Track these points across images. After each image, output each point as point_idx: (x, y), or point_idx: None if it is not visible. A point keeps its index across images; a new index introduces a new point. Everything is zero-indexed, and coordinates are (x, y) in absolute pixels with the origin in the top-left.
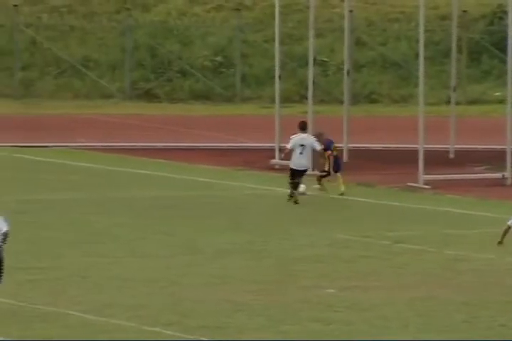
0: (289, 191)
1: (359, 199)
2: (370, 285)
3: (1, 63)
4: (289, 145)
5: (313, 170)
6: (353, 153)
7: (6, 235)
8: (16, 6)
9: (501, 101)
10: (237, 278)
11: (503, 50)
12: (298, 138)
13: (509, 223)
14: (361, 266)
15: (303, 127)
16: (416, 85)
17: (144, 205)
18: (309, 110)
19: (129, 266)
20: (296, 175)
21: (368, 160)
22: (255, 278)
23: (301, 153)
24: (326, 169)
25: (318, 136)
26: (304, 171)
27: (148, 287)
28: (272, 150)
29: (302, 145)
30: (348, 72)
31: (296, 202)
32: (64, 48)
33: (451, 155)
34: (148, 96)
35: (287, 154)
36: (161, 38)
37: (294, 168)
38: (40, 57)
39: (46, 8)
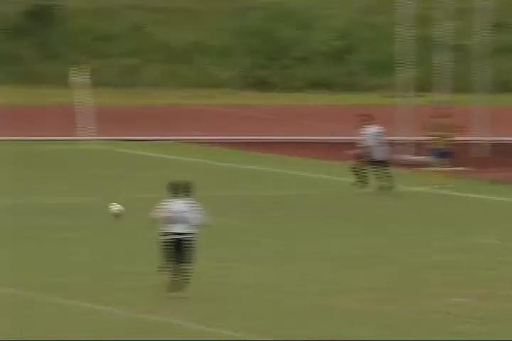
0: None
1: (495, 198)
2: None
3: (101, 49)
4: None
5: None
6: (495, 147)
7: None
8: None
9: None
10: (356, 285)
11: None
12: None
13: None
14: (502, 273)
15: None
16: None
17: (258, 205)
18: (441, 99)
19: (241, 271)
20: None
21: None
22: (376, 285)
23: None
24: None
25: None
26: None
27: (260, 295)
28: (401, 144)
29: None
30: (484, 58)
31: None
32: (171, 33)
33: None
34: (262, 85)
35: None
36: (276, 21)
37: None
38: (144, 42)
39: None
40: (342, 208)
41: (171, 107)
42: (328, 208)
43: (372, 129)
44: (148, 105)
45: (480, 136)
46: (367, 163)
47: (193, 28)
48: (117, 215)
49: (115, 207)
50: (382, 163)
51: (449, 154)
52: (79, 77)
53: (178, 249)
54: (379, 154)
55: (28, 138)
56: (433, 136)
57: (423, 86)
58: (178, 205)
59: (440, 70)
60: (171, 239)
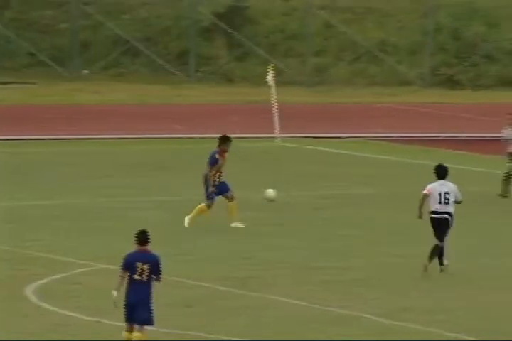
0: None
1: None
2: None
3: (293, 49)
4: None
5: None
6: None
7: (460, 203)
8: None
9: None
10: None
11: None
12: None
13: None
14: None
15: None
16: None
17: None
18: None
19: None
20: None
21: None
22: None
23: None
24: None
25: None
26: None
27: (447, 290)
28: None
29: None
30: None
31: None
32: (360, 32)
33: None
34: (451, 82)
35: None
36: (465, 19)
37: None
38: (334, 41)
39: None
40: None
41: (358, 105)
42: None
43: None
44: (337, 103)
45: None
46: None
47: (381, 27)
48: (271, 200)
49: (271, 193)
50: None
51: None
52: (271, 76)
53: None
54: None
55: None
56: None
57: None
58: (443, 186)
59: None
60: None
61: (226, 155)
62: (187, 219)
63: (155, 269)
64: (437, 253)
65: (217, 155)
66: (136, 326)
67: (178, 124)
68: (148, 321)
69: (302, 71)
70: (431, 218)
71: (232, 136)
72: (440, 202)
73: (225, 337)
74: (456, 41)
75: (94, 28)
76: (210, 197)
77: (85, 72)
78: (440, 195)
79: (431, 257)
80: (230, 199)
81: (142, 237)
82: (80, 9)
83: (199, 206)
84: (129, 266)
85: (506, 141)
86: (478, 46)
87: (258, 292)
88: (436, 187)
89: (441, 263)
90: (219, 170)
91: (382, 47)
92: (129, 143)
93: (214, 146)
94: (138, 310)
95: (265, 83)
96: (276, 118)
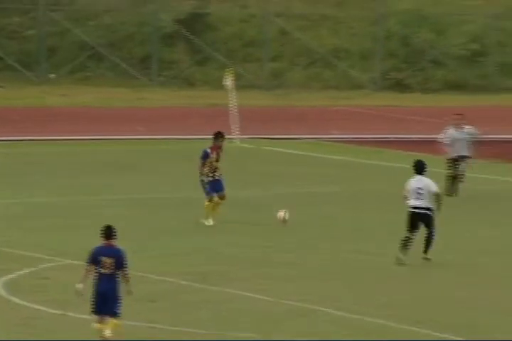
0: None
1: None
2: None
3: (251, 54)
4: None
5: None
6: None
7: (438, 195)
8: None
9: None
10: (497, 276)
11: None
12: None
13: None
14: None
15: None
16: None
17: (396, 200)
18: None
19: (381, 264)
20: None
21: None
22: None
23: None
24: None
25: None
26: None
27: (399, 285)
28: None
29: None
30: None
31: None
32: (314, 38)
33: None
34: (400, 86)
35: None
36: (414, 26)
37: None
38: (290, 47)
39: None
40: (486, 203)
41: (313, 108)
42: (472, 202)
43: (463, 129)
44: (293, 106)
45: None
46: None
47: (334, 33)
48: (285, 221)
49: (283, 214)
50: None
51: None
52: (229, 80)
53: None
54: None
55: (183, 137)
56: None
57: None
58: (418, 182)
59: None
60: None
61: (220, 151)
62: (204, 221)
63: (119, 263)
64: (408, 244)
65: (208, 150)
66: (107, 317)
67: (141, 126)
68: (117, 313)
69: (260, 75)
70: (407, 212)
71: (192, 137)
72: (415, 198)
73: (189, 329)
74: (405, 47)
75: (61, 34)
76: (207, 193)
77: (52, 76)
78: (414, 190)
79: (402, 249)
80: (221, 198)
81: (107, 232)
82: (47, 16)
83: (205, 205)
84: (94, 259)
85: (449, 141)
86: (426, 52)
87: (219, 286)
88: (411, 183)
89: (425, 252)
90: (214, 166)
91: (336, 53)
92: (96, 144)
93: (175, 148)
94: (106, 302)
95: (224, 87)
96: (235, 121)
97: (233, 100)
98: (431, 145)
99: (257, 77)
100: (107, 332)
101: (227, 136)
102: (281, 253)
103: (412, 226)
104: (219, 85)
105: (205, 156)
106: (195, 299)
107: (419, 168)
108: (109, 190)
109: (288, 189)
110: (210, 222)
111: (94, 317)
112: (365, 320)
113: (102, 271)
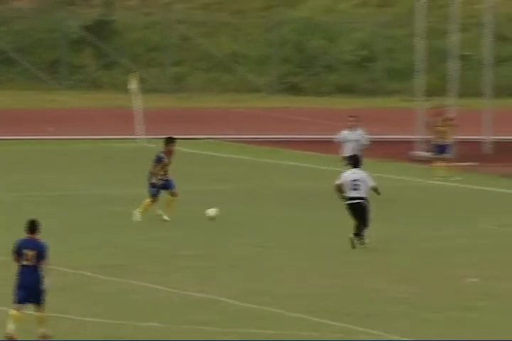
0: None
1: (504, 190)
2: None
3: (155, 59)
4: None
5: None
6: (497, 145)
7: (375, 188)
8: (168, 3)
9: None
10: (382, 267)
11: None
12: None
13: None
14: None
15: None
16: None
17: (293, 197)
18: (450, 103)
19: (278, 256)
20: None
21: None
22: (400, 267)
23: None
24: None
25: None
26: None
27: (295, 276)
28: (419, 143)
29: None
30: (488, 66)
31: None
32: (214, 44)
33: None
34: (295, 90)
35: None
36: (307, 33)
37: None
38: (191, 52)
39: (198, 5)
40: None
41: (213, 110)
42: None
43: (356, 131)
44: (194, 108)
45: (485, 135)
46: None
47: (233, 39)
48: (213, 218)
49: (212, 211)
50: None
51: (446, 149)
52: (134, 83)
53: (358, 212)
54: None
55: (92, 137)
56: (432, 133)
57: (435, 91)
58: (354, 175)
59: (451, 77)
60: (351, 203)
61: (172, 155)
62: (136, 212)
63: (41, 255)
64: (361, 231)
65: (162, 154)
66: (32, 306)
67: (51, 127)
68: (40, 302)
69: (163, 79)
70: (346, 204)
71: (98, 137)
72: (351, 189)
73: (98, 319)
74: (299, 53)
75: None
76: (153, 194)
77: None
78: (351, 182)
79: (355, 235)
80: (173, 195)
81: (31, 226)
82: None
83: (145, 201)
84: (17, 252)
85: (343, 142)
86: (319, 57)
87: (124, 278)
88: (347, 175)
89: (361, 238)
90: (164, 169)
91: (235, 58)
92: (10, 143)
93: (82, 147)
94: (30, 293)
95: (129, 90)
96: (140, 122)
97: (138, 103)
98: (324, 145)
99: (160, 80)
100: (42, 330)
101: (132, 136)
102: (185, 246)
103: (356, 216)
104: (125, 88)
105: (159, 160)
106: (103, 290)
107: (355, 162)
108: (26, 186)
109: (190, 187)
110: (139, 218)
111: (16, 305)
112: (263, 310)
113: (25, 262)
